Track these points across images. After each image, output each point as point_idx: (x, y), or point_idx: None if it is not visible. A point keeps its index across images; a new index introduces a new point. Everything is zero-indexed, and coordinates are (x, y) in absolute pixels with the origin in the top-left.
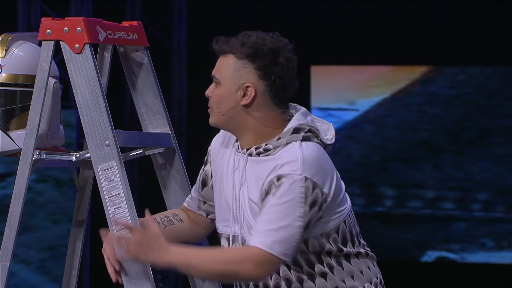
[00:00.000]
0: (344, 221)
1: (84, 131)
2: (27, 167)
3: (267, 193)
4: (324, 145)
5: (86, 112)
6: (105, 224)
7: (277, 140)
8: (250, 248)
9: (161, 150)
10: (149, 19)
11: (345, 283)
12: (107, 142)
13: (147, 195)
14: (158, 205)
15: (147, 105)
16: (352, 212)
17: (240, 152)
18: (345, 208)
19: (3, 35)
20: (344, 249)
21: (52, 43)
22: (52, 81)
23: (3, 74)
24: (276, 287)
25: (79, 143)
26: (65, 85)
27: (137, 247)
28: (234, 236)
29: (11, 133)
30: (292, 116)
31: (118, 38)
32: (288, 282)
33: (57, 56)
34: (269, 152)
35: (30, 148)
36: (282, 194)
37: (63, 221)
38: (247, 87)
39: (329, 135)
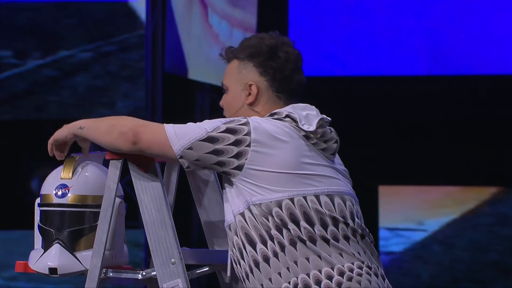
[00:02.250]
0: (292, 199)
1: (150, 249)
2: (93, 286)
3: None
4: (305, 133)
5: (152, 230)
6: None
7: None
8: None
9: (227, 267)
10: None
11: (289, 270)
12: (173, 260)
13: None
14: None
15: (212, 223)
16: (332, 202)
17: None
18: (298, 190)
19: (69, 157)
20: (292, 224)
21: (119, 162)
22: (117, 200)
23: (70, 195)
24: (250, 269)
25: (147, 262)
26: (133, 205)
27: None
28: None
29: (78, 254)
30: None
31: None
32: (256, 263)
33: (124, 178)
34: None
35: (97, 266)
36: None
37: None
38: (250, 85)
39: (312, 124)
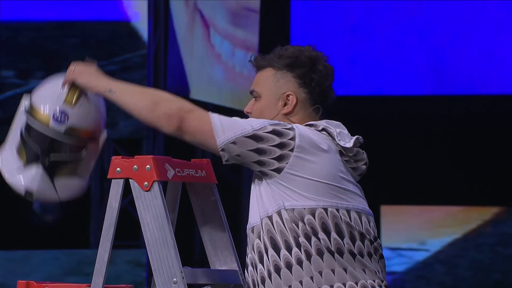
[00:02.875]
0: (326, 209)
1: (152, 268)
2: None
3: None
4: (340, 149)
5: (154, 249)
6: None
7: None
8: None
9: (229, 287)
10: (219, 157)
11: (312, 280)
12: (175, 279)
13: None
14: None
15: (214, 242)
16: (360, 219)
17: None
18: (332, 202)
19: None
20: (322, 233)
21: (121, 181)
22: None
23: (67, 124)
24: (268, 274)
25: (148, 281)
26: (135, 224)
27: (79, 69)
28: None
29: (57, 182)
30: None
31: (186, 175)
32: (277, 268)
33: (126, 197)
34: None
35: (99, 286)
36: None
37: None
38: (288, 95)
39: (349, 142)
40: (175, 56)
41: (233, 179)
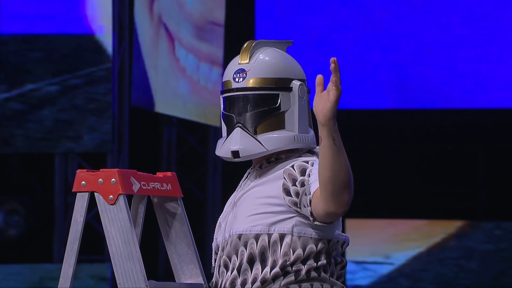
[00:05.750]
0: (329, 240)
1: (117, 282)
2: None
3: (287, 179)
4: None
5: (119, 263)
6: None
7: (291, 151)
8: None
9: None
10: (184, 172)
11: None
12: None
13: None
14: None
15: (180, 256)
16: (344, 248)
17: (252, 169)
18: (334, 233)
19: (247, 43)
20: (312, 260)
21: (86, 195)
22: (297, 83)
23: (248, 79)
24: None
25: None
26: (99, 238)
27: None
28: (217, 246)
29: (259, 136)
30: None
31: (152, 189)
32: (253, 281)
33: (91, 211)
34: (280, 159)
35: None
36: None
37: None
38: None
39: None
40: (139, 70)
41: (198, 194)
